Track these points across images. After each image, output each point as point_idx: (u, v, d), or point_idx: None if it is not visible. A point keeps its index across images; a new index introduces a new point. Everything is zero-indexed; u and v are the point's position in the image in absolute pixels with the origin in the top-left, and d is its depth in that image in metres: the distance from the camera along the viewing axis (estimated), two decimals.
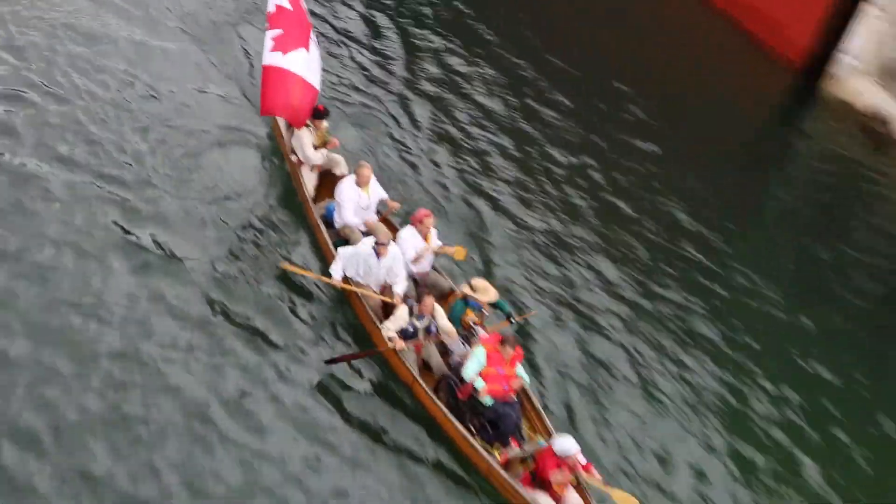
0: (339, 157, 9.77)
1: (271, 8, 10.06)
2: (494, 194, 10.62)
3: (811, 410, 8.86)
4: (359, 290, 8.31)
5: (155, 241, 8.54)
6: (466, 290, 8.22)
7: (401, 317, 7.95)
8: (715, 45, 15.30)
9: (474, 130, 11.77)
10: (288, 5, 10.10)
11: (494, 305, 8.27)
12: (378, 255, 8.24)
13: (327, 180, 9.64)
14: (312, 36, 10.25)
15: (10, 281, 7.79)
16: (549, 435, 7.67)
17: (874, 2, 12.31)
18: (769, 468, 8.06)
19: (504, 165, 11.35)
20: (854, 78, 13.13)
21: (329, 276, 8.34)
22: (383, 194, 9.27)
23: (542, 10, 15.13)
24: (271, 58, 9.84)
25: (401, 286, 8.35)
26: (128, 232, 8.71)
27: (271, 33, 9.95)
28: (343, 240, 8.97)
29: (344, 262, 8.37)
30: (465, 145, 11.46)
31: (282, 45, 9.93)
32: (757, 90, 14.61)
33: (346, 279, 8.34)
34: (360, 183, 8.98)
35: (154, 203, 9.10)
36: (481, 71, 13.02)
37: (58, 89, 10.42)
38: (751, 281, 10.63)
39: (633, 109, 13.10)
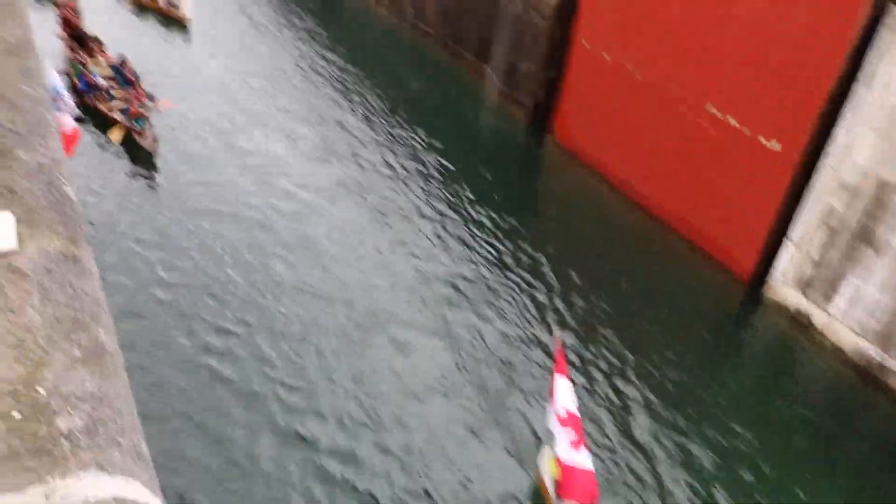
0: None
1: (561, 412, 10.93)
2: None
3: None
4: None
5: None
6: None
7: None
8: (689, 264, 18.86)
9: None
10: (573, 410, 10.94)
11: None
12: None
13: None
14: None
15: None
16: None
17: (790, 238, 16.98)
18: None
19: None
20: (783, 287, 17.28)
21: None
22: None
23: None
24: (565, 452, 10.96)
25: None
26: None
27: (562, 430, 10.92)
28: None
29: None
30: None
31: (573, 444, 10.88)
32: (718, 294, 18.04)
33: None
34: None
35: None
36: None
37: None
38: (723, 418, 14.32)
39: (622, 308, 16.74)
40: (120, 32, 27.98)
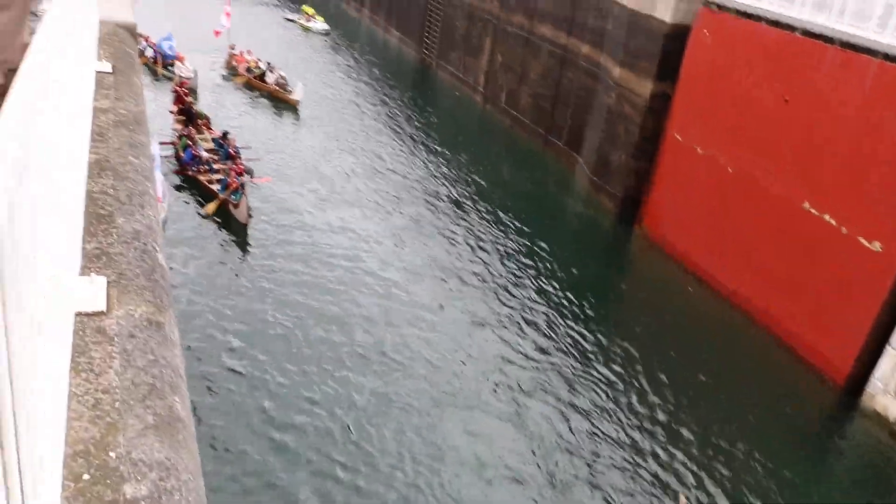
0: None
1: None
2: None
3: None
4: None
5: None
6: None
7: None
8: (779, 364, 17.99)
9: None
10: None
11: None
12: None
13: None
14: None
15: None
16: None
17: (892, 344, 16.16)
18: None
19: None
20: (883, 396, 16.30)
21: None
22: None
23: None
24: None
25: None
26: None
27: None
28: None
29: None
30: None
31: None
32: (810, 398, 17.11)
33: None
34: None
35: None
36: None
37: None
38: None
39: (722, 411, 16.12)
40: (231, 110, 29.58)
